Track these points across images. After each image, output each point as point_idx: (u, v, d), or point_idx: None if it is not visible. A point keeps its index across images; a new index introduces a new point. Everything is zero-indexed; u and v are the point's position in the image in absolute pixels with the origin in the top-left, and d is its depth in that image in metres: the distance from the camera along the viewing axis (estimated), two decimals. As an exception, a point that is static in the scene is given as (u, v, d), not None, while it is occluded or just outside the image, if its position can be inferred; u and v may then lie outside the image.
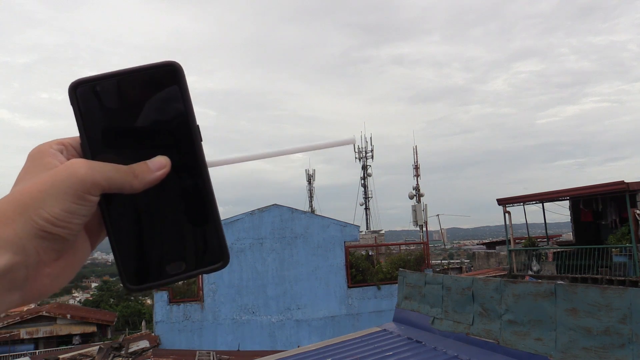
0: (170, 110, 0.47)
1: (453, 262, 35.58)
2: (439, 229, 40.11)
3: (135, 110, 0.47)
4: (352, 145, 0.58)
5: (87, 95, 0.46)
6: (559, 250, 17.22)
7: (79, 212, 0.43)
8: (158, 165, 0.46)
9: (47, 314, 23.68)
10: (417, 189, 30.49)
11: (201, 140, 0.48)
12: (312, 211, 32.56)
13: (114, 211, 0.47)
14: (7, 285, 0.40)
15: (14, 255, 0.40)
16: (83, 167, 0.43)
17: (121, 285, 0.48)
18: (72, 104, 0.46)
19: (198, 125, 0.48)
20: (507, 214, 18.17)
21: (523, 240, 19.48)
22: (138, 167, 0.46)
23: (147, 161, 0.46)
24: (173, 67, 0.47)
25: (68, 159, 0.46)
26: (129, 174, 0.45)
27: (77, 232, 0.44)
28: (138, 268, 0.47)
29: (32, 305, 23.55)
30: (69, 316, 23.85)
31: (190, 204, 0.48)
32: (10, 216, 0.41)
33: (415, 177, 31.21)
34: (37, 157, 0.46)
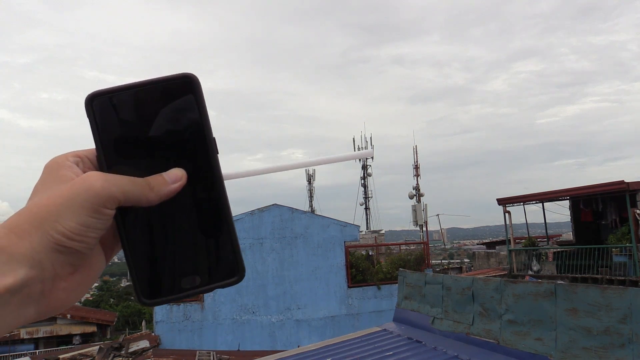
0: (187, 122, 0.47)
1: (453, 262, 35.56)
2: (439, 228, 40.18)
3: (152, 123, 0.46)
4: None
5: (103, 107, 0.46)
6: (559, 250, 17.22)
7: (96, 226, 0.42)
8: (174, 177, 0.46)
9: (47, 314, 23.61)
10: (417, 189, 30.51)
11: (217, 153, 0.48)
12: (312, 211, 32.56)
13: (129, 224, 0.46)
14: (23, 300, 0.40)
15: (29, 269, 0.39)
16: (99, 180, 0.43)
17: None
18: (88, 116, 0.46)
19: (214, 138, 0.47)
20: (507, 214, 18.18)
21: (523, 240, 19.48)
22: (154, 179, 0.45)
23: (163, 173, 0.46)
24: (190, 79, 0.47)
25: (84, 171, 0.46)
26: (145, 186, 0.45)
27: (93, 245, 0.43)
28: (153, 282, 0.47)
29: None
30: (69, 316, 23.82)
31: (205, 217, 0.47)
32: (27, 230, 0.40)
33: (415, 177, 31.25)
34: (53, 169, 0.45)
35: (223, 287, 0.48)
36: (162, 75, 0.47)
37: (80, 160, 0.47)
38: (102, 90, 0.46)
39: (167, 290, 0.47)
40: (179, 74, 0.47)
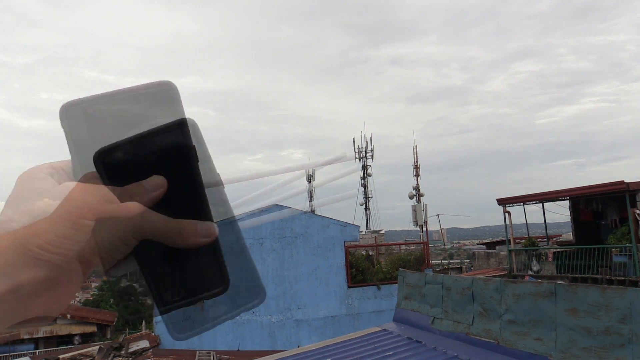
0: (165, 130, 0.45)
1: (453, 262, 35.52)
2: (439, 229, 40.10)
3: (129, 132, 0.44)
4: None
5: (78, 117, 0.44)
6: (559, 250, 17.21)
7: (74, 238, 0.40)
8: (154, 185, 0.43)
9: (47, 314, 23.58)
10: (417, 189, 30.49)
11: (197, 161, 0.46)
12: (312, 211, 32.52)
13: None
14: None
15: (3, 285, 0.38)
16: (77, 190, 0.41)
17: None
18: (63, 126, 0.44)
19: (194, 146, 0.46)
20: (507, 214, 18.17)
21: (523, 240, 19.47)
22: (133, 188, 0.43)
23: (142, 181, 0.43)
24: (168, 86, 0.46)
25: (59, 183, 0.44)
26: (124, 196, 0.42)
27: (71, 258, 0.41)
28: None
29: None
30: (69, 316, 23.79)
31: None
32: (1, 244, 0.38)
33: (415, 177, 31.21)
34: (27, 182, 0.43)
35: (208, 298, 0.47)
36: (140, 84, 0.46)
37: (55, 172, 0.45)
38: (77, 99, 0.45)
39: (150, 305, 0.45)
40: (158, 81, 0.46)
